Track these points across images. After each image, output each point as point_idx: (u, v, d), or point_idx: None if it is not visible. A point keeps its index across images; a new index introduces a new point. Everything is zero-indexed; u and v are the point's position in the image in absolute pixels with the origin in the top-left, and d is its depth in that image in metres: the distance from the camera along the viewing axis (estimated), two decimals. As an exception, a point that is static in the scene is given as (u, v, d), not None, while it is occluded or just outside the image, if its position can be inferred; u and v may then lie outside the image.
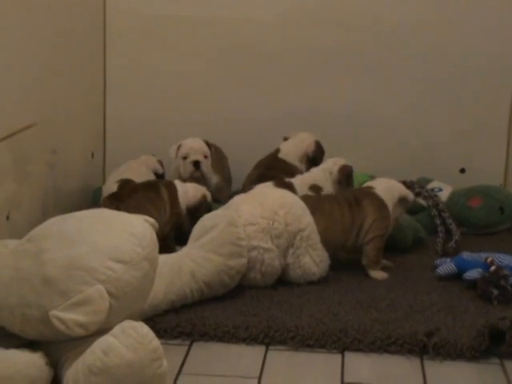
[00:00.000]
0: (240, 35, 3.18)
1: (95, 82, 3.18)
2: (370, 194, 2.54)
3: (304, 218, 2.40)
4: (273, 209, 2.37)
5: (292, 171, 2.89)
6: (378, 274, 2.49)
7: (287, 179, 2.74)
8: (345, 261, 2.55)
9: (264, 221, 2.35)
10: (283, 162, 2.94)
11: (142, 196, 2.55)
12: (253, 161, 2.97)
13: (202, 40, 3.20)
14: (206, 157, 2.86)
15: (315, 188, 2.75)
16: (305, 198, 2.52)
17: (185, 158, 2.86)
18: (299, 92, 3.20)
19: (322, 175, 2.79)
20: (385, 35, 3.15)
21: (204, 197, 2.66)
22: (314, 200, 2.55)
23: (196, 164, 2.84)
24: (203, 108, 3.23)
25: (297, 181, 2.75)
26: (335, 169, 2.79)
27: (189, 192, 2.63)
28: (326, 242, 2.46)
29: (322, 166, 2.84)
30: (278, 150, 2.98)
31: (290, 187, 2.67)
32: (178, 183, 2.65)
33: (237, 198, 2.47)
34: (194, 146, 2.86)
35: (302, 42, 3.18)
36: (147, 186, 2.63)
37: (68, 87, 2.84)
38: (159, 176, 2.94)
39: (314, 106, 3.20)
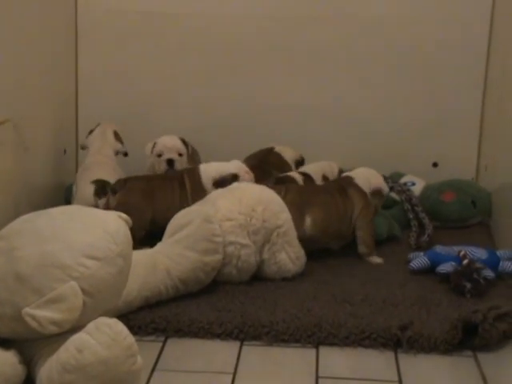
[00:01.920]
0: (216, 31, 3.17)
1: (67, 78, 3.16)
2: (352, 183, 2.62)
3: (281, 215, 2.40)
4: (251, 205, 2.37)
5: (285, 168, 2.91)
6: (377, 260, 2.56)
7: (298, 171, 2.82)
8: (333, 252, 2.59)
9: (242, 217, 2.35)
10: (279, 156, 2.95)
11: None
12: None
13: (176, 36, 3.19)
14: (180, 155, 2.85)
15: (325, 178, 2.86)
16: (301, 191, 2.58)
17: (159, 155, 2.85)
18: (272, 88, 3.20)
19: (328, 168, 2.90)
20: (357, 30, 3.15)
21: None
22: (311, 192, 2.60)
23: (170, 162, 2.83)
24: (178, 106, 3.23)
25: (310, 170, 2.85)
26: (336, 170, 2.90)
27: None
28: (326, 232, 2.53)
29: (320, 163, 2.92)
30: (273, 147, 2.98)
31: (294, 181, 2.74)
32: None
33: (214, 193, 2.47)
34: (169, 143, 2.85)
35: (278, 38, 3.17)
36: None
37: (40, 83, 2.81)
38: (124, 155, 2.92)
39: (287, 102, 3.20)
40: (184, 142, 2.90)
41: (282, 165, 2.93)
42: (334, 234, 2.57)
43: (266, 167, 2.86)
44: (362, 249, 2.59)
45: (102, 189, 2.63)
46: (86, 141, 2.93)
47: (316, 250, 2.54)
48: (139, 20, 3.18)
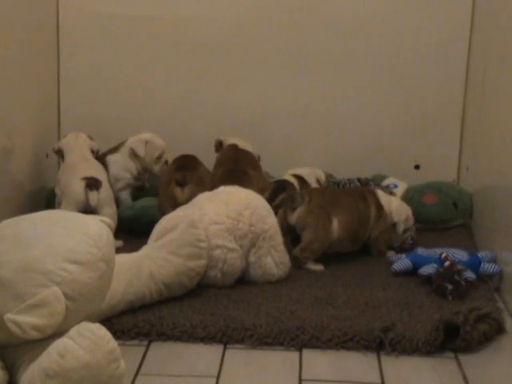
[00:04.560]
0: (199, 35, 3.16)
1: (49, 82, 3.14)
2: (373, 193, 2.67)
3: (268, 219, 2.41)
4: (238, 209, 2.37)
5: (256, 162, 2.91)
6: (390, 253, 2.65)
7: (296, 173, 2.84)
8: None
9: (229, 220, 2.35)
10: (247, 152, 2.93)
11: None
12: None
13: (160, 40, 3.18)
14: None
15: (319, 182, 2.88)
16: (325, 193, 2.62)
17: (159, 158, 2.92)
18: (255, 90, 3.20)
19: (316, 170, 2.93)
20: (339, 35, 3.15)
21: None
22: (335, 194, 2.64)
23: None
24: (159, 106, 3.22)
25: (303, 172, 2.86)
26: (323, 175, 2.92)
27: None
28: (350, 235, 2.57)
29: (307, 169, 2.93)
30: (234, 144, 2.95)
31: (301, 179, 2.80)
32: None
33: (201, 197, 2.47)
34: (159, 142, 2.93)
35: (257, 40, 3.17)
36: None
37: (21, 87, 2.80)
38: (95, 153, 2.91)
39: (268, 104, 3.20)
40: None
41: (253, 161, 2.91)
42: (356, 236, 2.60)
43: (241, 166, 2.83)
44: (374, 254, 2.65)
45: (94, 183, 2.64)
46: (59, 144, 2.90)
47: (336, 253, 2.58)
48: (122, 23, 3.17)
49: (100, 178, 2.69)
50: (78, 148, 2.85)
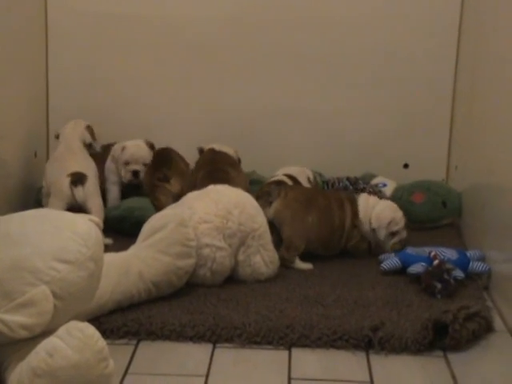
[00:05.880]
0: (191, 33, 3.15)
1: (38, 81, 3.13)
2: (351, 200, 2.63)
3: (257, 218, 2.40)
4: (227, 208, 2.37)
5: (235, 163, 2.93)
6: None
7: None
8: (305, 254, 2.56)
9: (218, 219, 2.35)
10: (225, 153, 2.95)
11: None
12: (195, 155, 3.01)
13: (148, 38, 3.17)
14: (145, 164, 2.92)
15: (309, 181, 2.89)
16: (300, 189, 2.62)
17: (126, 163, 2.90)
18: (245, 89, 3.19)
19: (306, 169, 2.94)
20: (330, 36, 3.15)
21: None
22: (310, 193, 2.63)
23: (135, 173, 2.91)
24: (147, 107, 3.21)
25: (294, 172, 2.87)
26: (311, 174, 2.93)
27: None
28: (319, 238, 2.55)
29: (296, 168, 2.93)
30: (211, 148, 2.97)
31: (294, 180, 2.81)
32: None
33: (190, 195, 2.46)
34: (136, 154, 2.92)
35: (246, 40, 3.17)
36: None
37: (9, 86, 2.78)
38: (88, 146, 2.92)
39: (258, 103, 3.19)
40: (152, 146, 2.96)
41: (232, 161, 2.93)
42: (327, 242, 2.58)
43: (220, 166, 2.85)
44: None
45: (79, 178, 2.67)
46: (60, 130, 2.91)
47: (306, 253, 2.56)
48: (111, 22, 3.15)
49: (86, 172, 2.71)
50: (69, 139, 2.86)
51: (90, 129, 2.93)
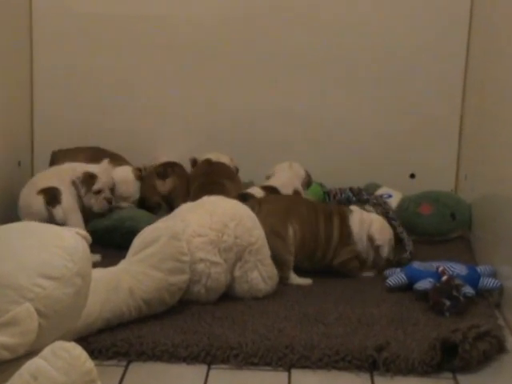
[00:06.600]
0: (175, 34, 3.14)
1: (21, 88, 3.12)
2: (342, 214, 2.57)
3: (254, 231, 2.36)
4: (223, 220, 2.33)
5: (232, 174, 2.94)
6: (368, 273, 2.58)
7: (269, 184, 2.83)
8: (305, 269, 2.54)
9: (213, 232, 2.30)
10: (222, 164, 2.96)
11: None
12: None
13: (135, 39, 3.16)
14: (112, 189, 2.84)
15: (297, 193, 2.85)
16: (276, 200, 2.58)
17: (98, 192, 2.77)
18: (242, 91, 3.18)
19: (295, 180, 2.88)
20: (335, 39, 3.14)
21: None
22: (289, 202, 2.57)
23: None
24: (136, 113, 3.20)
25: (277, 183, 2.83)
26: (302, 172, 2.90)
27: None
28: (301, 250, 2.49)
29: (286, 172, 2.88)
30: (207, 159, 2.98)
31: (275, 191, 2.78)
32: None
33: (184, 207, 2.43)
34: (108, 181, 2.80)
35: (244, 43, 3.15)
36: None
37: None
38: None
39: (262, 107, 3.18)
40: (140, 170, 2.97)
41: (228, 172, 2.94)
42: (311, 254, 2.52)
43: (215, 178, 2.85)
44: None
45: (52, 197, 2.57)
46: None
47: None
48: (98, 23, 3.15)
49: (58, 186, 2.61)
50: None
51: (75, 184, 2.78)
